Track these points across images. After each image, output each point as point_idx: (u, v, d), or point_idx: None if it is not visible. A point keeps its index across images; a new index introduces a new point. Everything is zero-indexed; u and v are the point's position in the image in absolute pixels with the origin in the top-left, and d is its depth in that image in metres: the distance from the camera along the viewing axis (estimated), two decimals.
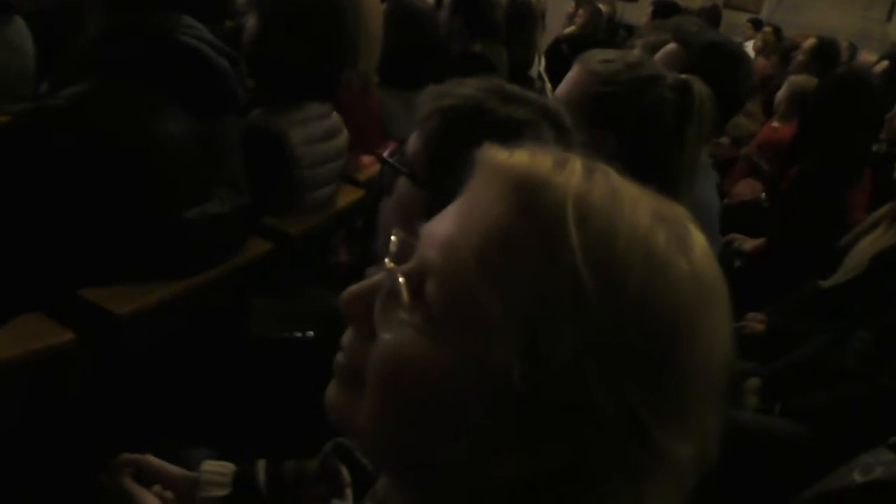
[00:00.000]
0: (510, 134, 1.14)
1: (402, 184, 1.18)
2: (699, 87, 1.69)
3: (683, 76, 1.70)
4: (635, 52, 2.04)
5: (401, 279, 0.59)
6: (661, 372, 0.55)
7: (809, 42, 5.49)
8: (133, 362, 1.58)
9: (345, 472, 0.81)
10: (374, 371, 0.60)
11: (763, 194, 3.72)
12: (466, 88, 1.17)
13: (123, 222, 1.53)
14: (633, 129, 1.65)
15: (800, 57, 5.38)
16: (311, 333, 1.71)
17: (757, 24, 8.94)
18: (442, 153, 1.13)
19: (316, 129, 2.22)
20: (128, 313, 1.55)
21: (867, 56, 7.38)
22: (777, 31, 7.53)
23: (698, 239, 0.60)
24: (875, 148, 3.29)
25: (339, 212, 2.42)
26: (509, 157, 0.62)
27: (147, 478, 1.31)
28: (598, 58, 1.74)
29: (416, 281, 0.59)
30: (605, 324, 0.54)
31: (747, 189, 3.63)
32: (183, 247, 1.63)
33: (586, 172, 0.59)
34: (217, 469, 1.42)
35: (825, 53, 5.18)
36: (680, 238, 0.58)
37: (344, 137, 2.40)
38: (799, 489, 1.87)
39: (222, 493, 1.41)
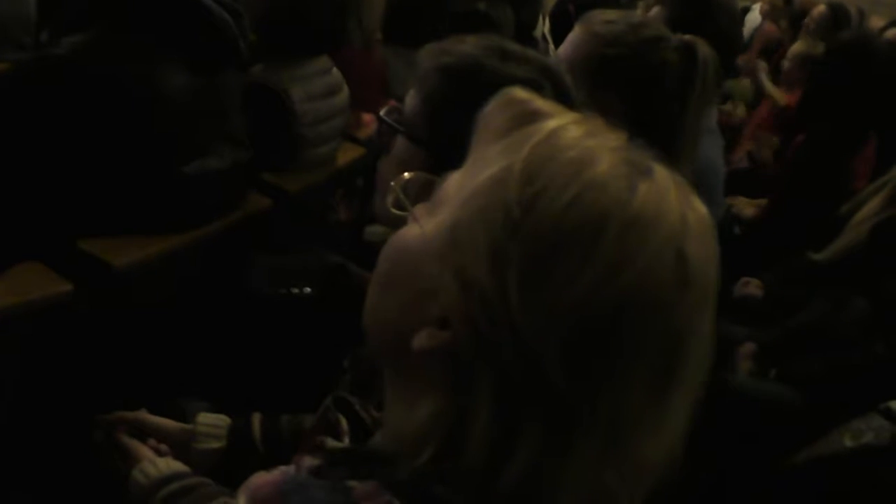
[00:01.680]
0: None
1: (401, 142, 1.17)
2: (703, 48, 1.67)
3: (687, 37, 1.68)
4: (637, 13, 2.02)
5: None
6: (550, 276, 0.56)
7: (819, 9, 5.38)
8: (130, 315, 1.58)
9: (343, 422, 0.82)
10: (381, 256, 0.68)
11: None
12: (465, 46, 1.16)
13: (122, 174, 1.53)
14: (636, 90, 1.63)
15: (811, 25, 5.29)
16: (308, 290, 1.71)
17: None
18: (440, 111, 1.11)
19: (317, 86, 2.21)
20: (125, 265, 1.55)
21: (878, 21, 7.27)
22: None
23: (660, 176, 0.60)
24: None
25: (339, 169, 2.41)
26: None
27: (141, 432, 1.32)
28: (600, 19, 1.72)
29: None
30: (509, 235, 0.57)
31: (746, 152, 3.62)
32: (182, 200, 1.63)
33: (574, 120, 0.63)
34: (212, 422, 1.43)
35: (836, 21, 5.10)
36: (633, 179, 0.59)
37: (345, 94, 2.38)
38: (791, 453, 1.89)
39: (217, 445, 1.42)
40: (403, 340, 0.62)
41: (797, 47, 4.41)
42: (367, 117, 2.84)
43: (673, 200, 0.59)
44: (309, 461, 0.81)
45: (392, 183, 0.72)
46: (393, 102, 3.25)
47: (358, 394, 1.11)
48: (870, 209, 2.52)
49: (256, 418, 1.45)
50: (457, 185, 0.64)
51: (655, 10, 2.16)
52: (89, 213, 1.55)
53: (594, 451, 0.58)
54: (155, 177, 1.57)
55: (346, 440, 0.82)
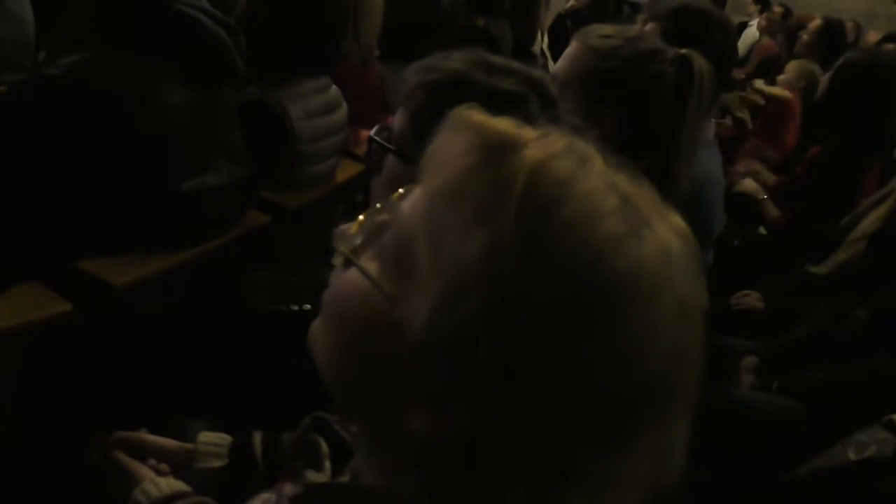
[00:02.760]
0: (496, 105, 1.13)
1: (391, 161, 1.17)
2: (699, 61, 1.67)
3: (683, 51, 1.69)
4: (633, 27, 2.02)
5: (362, 224, 0.64)
6: (568, 361, 0.52)
7: (815, 23, 5.42)
8: (130, 334, 1.58)
9: (323, 445, 0.81)
10: (326, 299, 0.64)
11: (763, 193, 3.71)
12: (450, 62, 1.16)
13: (121, 192, 1.53)
14: (633, 103, 1.64)
15: (805, 37, 5.32)
16: (308, 307, 1.71)
17: (762, 3, 8.86)
18: (428, 129, 1.12)
19: (315, 103, 2.22)
20: (125, 284, 1.55)
21: (874, 37, 7.31)
22: (787, 11, 7.46)
23: (660, 230, 0.56)
24: None
25: (338, 186, 2.41)
26: (485, 118, 0.62)
27: (141, 452, 1.32)
28: (596, 33, 1.72)
29: (378, 231, 0.62)
30: (514, 294, 0.52)
31: (744, 168, 3.62)
32: (180, 218, 1.63)
33: (564, 146, 0.58)
34: (213, 440, 1.43)
35: (831, 34, 5.13)
36: (634, 226, 0.54)
37: (343, 111, 2.39)
38: (794, 466, 1.88)
39: (219, 464, 1.41)
40: (385, 414, 0.58)
41: (792, 66, 4.44)
42: (365, 133, 2.83)
43: (673, 254, 0.56)
44: (289, 489, 0.81)
45: (342, 230, 0.67)
46: (390, 119, 3.26)
47: None
48: (869, 223, 2.52)
49: (257, 436, 1.44)
50: (424, 250, 0.57)
51: (651, 25, 2.17)
52: (88, 233, 1.55)
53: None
54: (153, 194, 1.57)
55: (327, 463, 0.81)
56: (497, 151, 0.57)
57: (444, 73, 1.12)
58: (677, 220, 0.58)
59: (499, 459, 0.54)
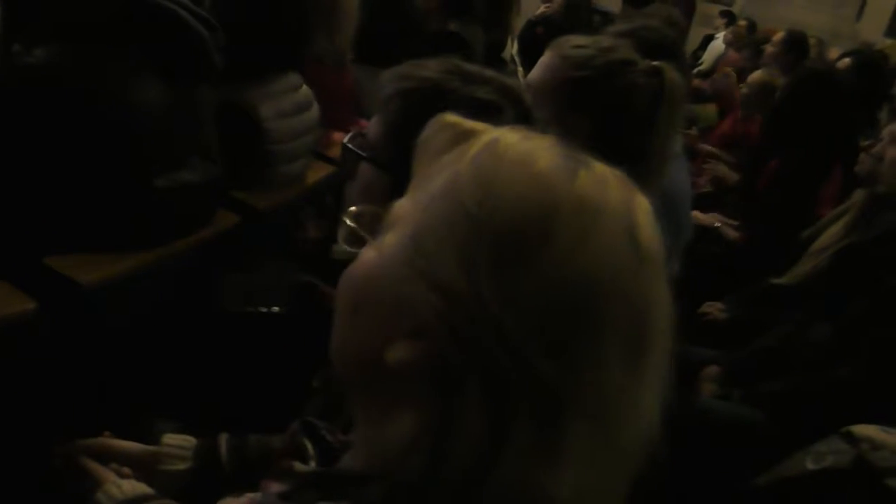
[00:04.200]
0: (472, 114, 1.14)
1: (365, 168, 1.17)
2: (671, 73, 1.69)
3: (655, 63, 1.71)
4: (607, 38, 2.04)
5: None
6: (517, 270, 0.59)
7: (779, 35, 5.56)
8: (97, 333, 1.56)
9: (309, 447, 0.82)
10: (339, 285, 0.70)
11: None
12: (425, 70, 1.17)
13: (93, 187, 1.50)
14: (605, 113, 1.65)
15: (770, 49, 5.44)
16: (276, 309, 1.70)
17: (728, 17, 9.00)
18: (404, 137, 1.12)
19: (286, 103, 2.21)
20: (92, 282, 1.52)
21: (835, 54, 7.45)
22: (752, 25, 7.59)
23: (598, 169, 0.64)
24: None
25: (308, 187, 2.40)
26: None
27: (104, 456, 1.30)
28: (571, 43, 1.74)
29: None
30: (472, 233, 0.60)
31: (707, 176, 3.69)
32: (152, 215, 1.61)
33: (508, 130, 0.67)
34: (178, 442, 1.41)
35: (795, 45, 5.25)
36: (573, 163, 0.63)
37: (314, 112, 2.38)
38: (753, 475, 1.91)
39: (183, 466, 1.40)
40: (374, 360, 0.63)
41: (756, 76, 4.51)
42: (338, 136, 2.83)
43: (613, 185, 0.63)
44: (276, 487, 0.81)
45: (344, 219, 0.75)
46: (364, 122, 3.26)
47: (329, 415, 1.11)
48: (831, 235, 2.57)
49: (223, 438, 1.43)
50: (406, 205, 0.67)
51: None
52: (55, 228, 1.52)
53: (584, 439, 0.60)
54: (127, 189, 1.55)
55: (313, 465, 0.82)
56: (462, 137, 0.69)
57: (420, 82, 1.13)
58: (621, 174, 0.66)
59: (470, 386, 0.59)
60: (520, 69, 4.90)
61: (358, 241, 0.71)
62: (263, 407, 1.54)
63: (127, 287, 1.60)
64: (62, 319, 1.50)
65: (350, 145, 1.17)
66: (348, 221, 0.74)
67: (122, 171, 1.54)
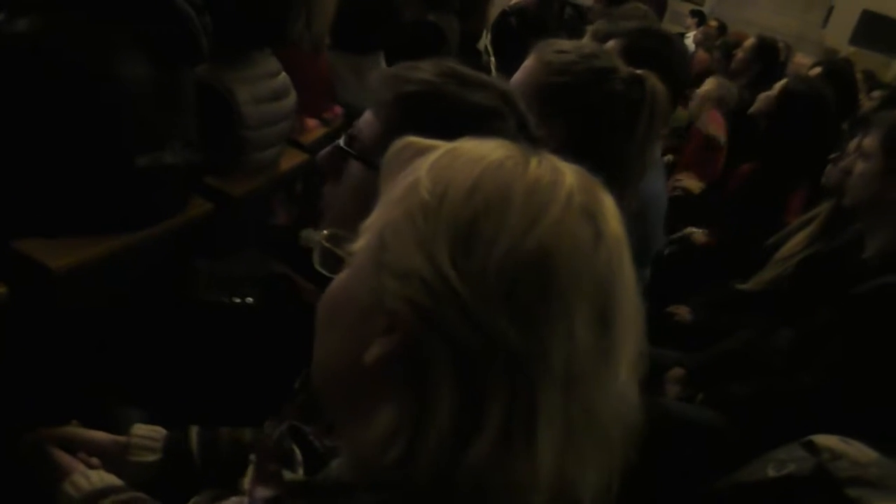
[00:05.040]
0: (471, 120, 1.13)
1: (358, 170, 1.15)
2: (653, 82, 1.70)
3: (638, 71, 1.72)
4: (590, 44, 2.04)
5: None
6: (474, 243, 0.62)
7: (750, 41, 5.63)
8: (66, 319, 1.53)
9: (297, 453, 0.82)
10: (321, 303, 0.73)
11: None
12: (422, 73, 1.15)
13: (71, 163, 1.47)
14: (584, 120, 1.66)
15: (740, 54, 5.51)
16: (250, 300, 1.68)
17: (698, 17, 9.08)
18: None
19: (263, 89, 2.18)
20: (63, 268, 1.49)
21: (801, 59, 7.58)
22: (722, 27, 7.68)
23: (552, 159, 0.68)
24: None
25: (282, 175, 2.38)
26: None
27: (72, 446, 1.28)
28: (553, 48, 1.74)
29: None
30: (429, 219, 0.63)
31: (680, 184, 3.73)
32: (129, 196, 1.58)
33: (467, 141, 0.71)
34: (147, 433, 1.40)
35: (765, 52, 5.33)
36: (525, 153, 0.67)
37: (292, 99, 2.35)
38: (713, 479, 1.94)
39: (152, 458, 1.38)
40: (352, 365, 0.66)
41: (709, 85, 4.58)
42: (312, 122, 2.81)
43: (567, 171, 0.67)
44: (262, 491, 0.81)
45: (318, 241, 0.79)
46: (338, 109, 3.23)
47: (310, 416, 1.11)
48: (796, 243, 2.62)
49: (194, 430, 1.42)
50: (373, 215, 0.70)
51: (611, 43, 2.20)
52: (27, 211, 1.48)
53: (559, 414, 0.61)
54: (105, 169, 1.52)
55: (301, 471, 0.83)
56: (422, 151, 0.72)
57: (418, 85, 1.12)
58: (578, 167, 0.69)
59: (441, 367, 0.61)
60: (492, 59, 4.91)
61: (334, 262, 0.75)
62: (235, 399, 1.53)
63: (98, 273, 1.57)
64: (32, 304, 1.47)
65: (345, 147, 1.15)
66: (324, 243, 0.77)
67: (102, 148, 1.50)
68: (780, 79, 4.85)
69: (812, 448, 1.68)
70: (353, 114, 3.16)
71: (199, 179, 1.89)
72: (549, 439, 0.61)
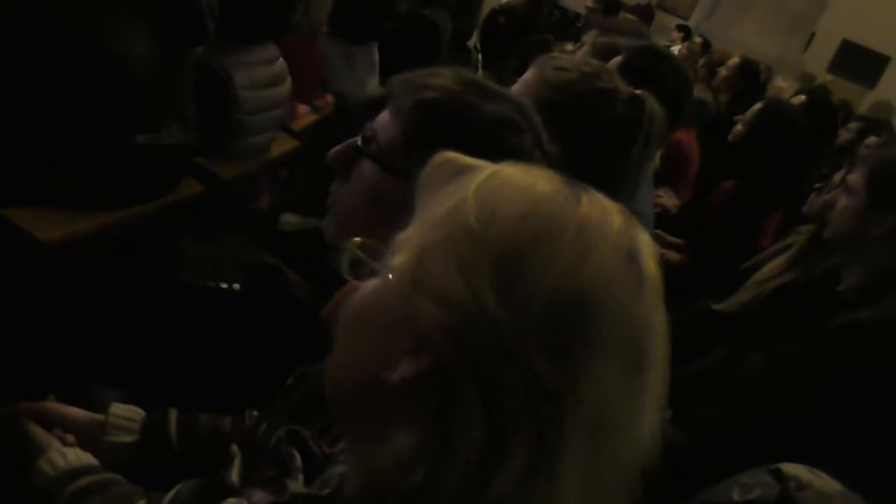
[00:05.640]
0: (489, 130, 1.14)
1: (370, 171, 1.15)
2: (651, 104, 1.70)
3: (638, 92, 1.72)
4: (591, 62, 2.05)
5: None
6: (518, 278, 0.61)
7: (734, 60, 5.74)
8: (50, 293, 1.50)
9: (297, 458, 0.82)
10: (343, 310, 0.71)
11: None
12: (443, 80, 1.16)
13: (70, 135, 1.44)
14: (579, 139, 1.66)
15: (723, 72, 5.60)
16: (237, 287, 1.67)
17: (685, 31, 9.15)
18: (420, 145, 1.11)
19: (261, 74, 2.17)
20: (51, 240, 1.47)
21: (780, 82, 7.69)
22: (706, 44, 7.75)
23: (598, 197, 0.67)
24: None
25: (272, 160, 2.36)
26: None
27: (48, 421, 1.27)
28: (554, 64, 1.74)
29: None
30: (475, 247, 0.62)
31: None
32: (124, 173, 1.55)
33: (507, 164, 0.70)
34: (125, 414, 1.38)
35: (747, 73, 5.43)
36: (574, 190, 0.65)
37: (287, 86, 2.34)
38: (678, 499, 1.96)
39: (129, 439, 1.37)
40: (373, 381, 0.64)
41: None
42: (302, 109, 2.80)
43: (614, 213, 0.66)
44: (259, 495, 0.80)
45: (346, 248, 0.75)
46: (328, 97, 3.21)
47: (305, 416, 1.10)
48: (771, 268, 2.65)
49: (173, 414, 1.41)
50: (410, 233, 0.68)
51: (615, 60, 2.21)
52: (20, 179, 1.46)
53: (583, 453, 0.61)
54: (103, 144, 1.50)
55: (300, 477, 0.82)
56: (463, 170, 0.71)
57: (438, 92, 1.12)
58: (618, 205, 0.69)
59: (471, 396, 0.60)
60: (480, 58, 4.92)
61: (361, 269, 0.72)
62: (215, 385, 1.52)
63: (86, 248, 1.55)
64: (17, 275, 1.45)
65: (364, 148, 1.15)
66: (353, 250, 0.75)
67: (102, 124, 1.48)
68: (758, 98, 4.94)
69: (779, 475, 1.70)
70: (343, 102, 3.16)
71: (189, 160, 1.87)
72: (572, 480, 0.61)
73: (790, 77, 8.92)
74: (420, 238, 0.66)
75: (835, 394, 1.98)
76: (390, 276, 0.66)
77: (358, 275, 0.72)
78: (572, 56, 2.44)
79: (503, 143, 1.09)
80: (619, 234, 0.64)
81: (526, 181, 0.67)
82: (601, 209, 0.65)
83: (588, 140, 1.64)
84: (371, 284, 0.69)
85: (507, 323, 0.59)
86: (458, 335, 0.60)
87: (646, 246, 0.66)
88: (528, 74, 1.72)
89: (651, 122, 1.68)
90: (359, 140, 1.15)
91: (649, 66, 2.13)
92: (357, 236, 1.19)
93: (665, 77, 2.18)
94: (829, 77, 10.41)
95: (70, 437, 1.30)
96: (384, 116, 1.16)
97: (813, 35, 11.05)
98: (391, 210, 1.13)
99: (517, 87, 1.74)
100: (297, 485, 0.77)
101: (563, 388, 0.60)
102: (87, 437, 1.32)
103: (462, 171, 0.70)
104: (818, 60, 11.09)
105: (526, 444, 0.60)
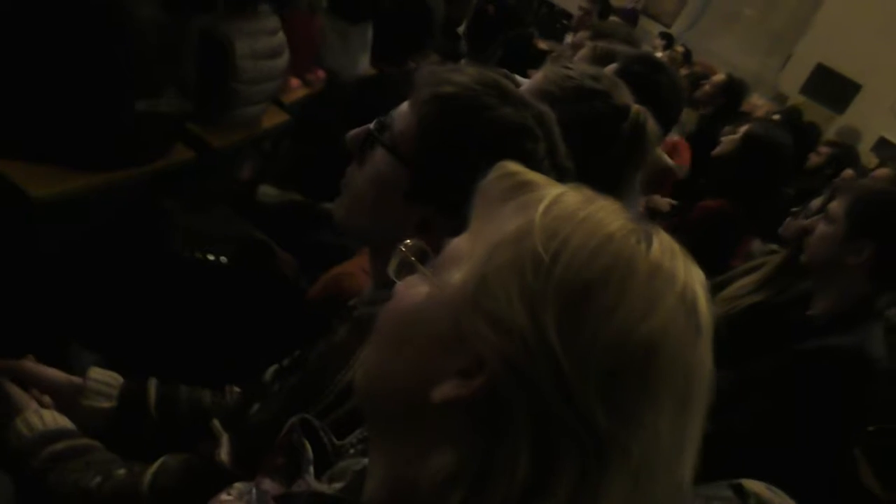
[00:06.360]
0: (503, 134, 1.14)
1: (383, 158, 1.14)
2: (644, 117, 1.70)
3: (637, 107, 1.72)
4: (595, 68, 2.05)
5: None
6: (580, 323, 0.59)
7: (720, 77, 5.80)
8: (35, 250, 1.47)
9: (309, 450, 0.81)
10: (382, 314, 0.69)
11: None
12: (465, 78, 1.15)
13: (70, 96, 1.41)
14: (578, 153, 1.66)
15: (707, 87, 5.64)
16: (224, 259, 1.66)
17: (667, 39, 9.21)
18: (434, 139, 1.11)
19: (262, 45, 2.13)
20: (42, 196, 1.44)
21: (756, 99, 7.79)
22: (688, 53, 7.81)
23: (664, 237, 0.65)
24: None
25: (262, 132, 2.34)
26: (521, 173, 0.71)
27: (25, 381, 1.25)
28: (563, 63, 1.74)
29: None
30: (542, 279, 0.60)
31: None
32: (119, 136, 1.53)
33: (567, 189, 0.67)
34: (104, 379, 1.37)
35: (731, 90, 5.49)
36: (643, 231, 0.63)
37: (285, 59, 2.31)
38: None
39: (107, 404, 1.35)
40: (416, 396, 0.62)
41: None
42: (295, 82, 2.77)
43: (679, 258, 0.64)
44: (269, 485, 0.79)
45: (400, 248, 0.74)
46: (320, 72, 3.18)
47: (304, 400, 1.10)
48: (741, 287, 2.68)
49: (153, 383, 1.39)
50: (468, 244, 0.66)
51: (610, 67, 2.22)
52: (18, 130, 1.42)
53: (623, 492, 0.60)
54: (103, 107, 1.47)
55: (311, 469, 0.81)
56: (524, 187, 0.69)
57: (458, 88, 1.11)
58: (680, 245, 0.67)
59: (520, 427, 0.59)
60: (465, 43, 4.91)
61: (408, 270, 0.71)
62: (196, 357, 1.51)
63: (75, 207, 1.52)
64: (4, 229, 1.41)
65: (376, 134, 1.14)
66: (403, 251, 0.73)
67: (104, 86, 1.45)
68: (734, 115, 5.00)
69: (740, 491, 1.74)
70: (334, 79, 3.13)
71: (183, 126, 1.84)
72: None
73: (764, 95, 9.05)
74: (482, 255, 0.64)
75: (798, 414, 2.03)
76: (446, 290, 0.64)
77: (404, 277, 0.70)
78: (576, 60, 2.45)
79: (514, 148, 1.08)
80: (685, 283, 0.63)
81: (595, 214, 0.64)
82: (671, 254, 0.64)
83: (585, 156, 1.64)
84: (421, 292, 0.67)
85: (567, 362, 0.58)
86: (516, 365, 0.59)
87: (703, 294, 0.65)
88: (538, 78, 1.73)
89: (638, 133, 1.68)
90: (373, 125, 1.14)
91: (645, 75, 2.14)
92: (364, 222, 1.19)
93: (661, 88, 2.19)
94: (801, 98, 10.58)
95: (47, 399, 1.29)
96: (404, 106, 1.15)
97: (790, 56, 11.20)
98: (396, 201, 1.13)
99: (525, 89, 1.75)
100: (309, 478, 0.76)
101: (612, 434, 0.59)
102: (64, 400, 1.31)
103: (524, 186, 0.68)
104: (792, 81, 11.25)
105: (567, 485, 0.59)
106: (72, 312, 1.49)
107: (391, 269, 0.72)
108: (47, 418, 1.23)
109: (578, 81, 1.66)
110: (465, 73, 1.14)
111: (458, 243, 0.68)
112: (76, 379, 1.35)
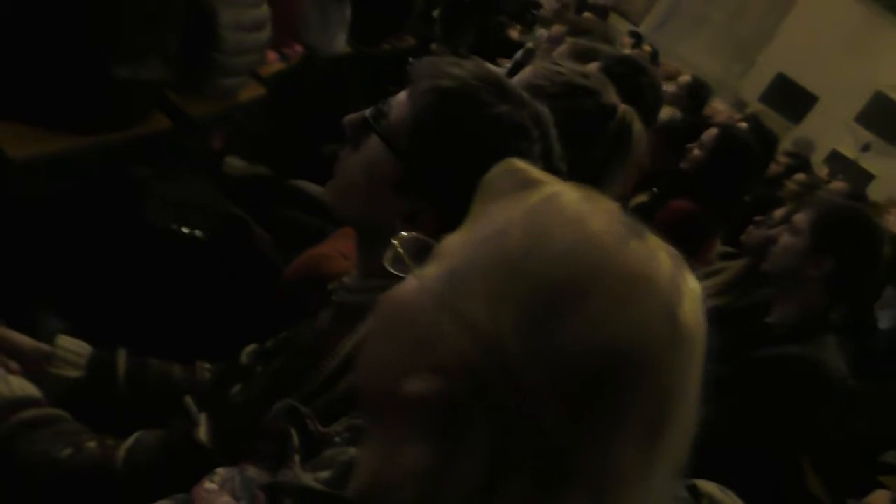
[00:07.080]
0: (498, 131, 1.14)
1: (376, 145, 1.14)
2: (631, 117, 1.72)
3: (624, 107, 1.74)
4: (583, 67, 2.06)
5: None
6: (545, 327, 0.57)
7: (685, 78, 5.85)
8: (11, 211, 1.44)
9: (295, 438, 0.80)
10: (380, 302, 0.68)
11: None
12: (464, 72, 1.15)
13: (54, 57, 1.37)
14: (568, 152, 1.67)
15: (673, 88, 5.69)
16: (199, 233, 1.63)
17: (636, 38, 9.28)
18: (428, 131, 1.10)
19: (247, 17, 2.10)
20: (20, 157, 1.40)
21: (718, 104, 7.91)
22: (655, 54, 7.88)
23: (651, 241, 0.62)
24: None
25: (238, 105, 2.31)
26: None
27: None
28: (554, 59, 1.75)
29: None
30: (508, 280, 0.58)
31: None
32: (102, 101, 1.49)
33: (571, 187, 0.66)
34: (73, 348, 1.35)
35: (696, 93, 5.54)
36: (629, 240, 0.60)
37: (267, 32, 2.28)
38: None
39: (75, 374, 1.34)
40: (393, 387, 0.61)
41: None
42: (272, 56, 2.74)
43: (664, 263, 0.61)
44: (254, 472, 0.79)
45: (393, 241, 0.72)
46: (298, 47, 3.14)
47: (287, 383, 1.09)
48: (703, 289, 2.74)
49: (122, 355, 1.38)
50: (459, 239, 0.65)
51: (592, 66, 2.23)
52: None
53: None
54: (85, 69, 1.43)
55: (297, 458, 0.80)
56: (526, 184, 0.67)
57: (456, 82, 1.11)
58: (675, 252, 0.64)
59: (476, 432, 0.57)
60: (439, 27, 4.90)
61: (403, 264, 0.69)
62: (167, 331, 1.49)
63: (52, 169, 1.49)
64: None
65: (371, 122, 1.13)
66: (397, 245, 0.71)
67: (87, 50, 1.42)
68: (696, 118, 5.08)
69: (694, 491, 1.78)
70: (311, 55, 3.10)
71: (163, 94, 1.81)
72: None
73: (726, 101, 9.20)
74: (461, 251, 0.63)
75: (752, 420, 2.07)
76: (425, 284, 0.63)
77: (402, 269, 0.69)
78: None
79: (508, 147, 1.08)
80: (663, 287, 0.59)
81: (581, 212, 0.62)
82: (649, 257, 0.60)
83: (572, 154, 1.65)
84: (410, 285, 0.65)
85: (523, 366, 0.56)
86: (474, 367, 0.57)
87: (691, 300, 0.61)
88: (527, 73, 1.73)
89: (623, 133, 1.70)
90: (368, 112, 1.13)
91: (627, 76, 2.15)
92: (353, 208, 1.19)
93: (642, 89, 2.22)
94: (759, 106, 10.79)
95: (14, 365, 1.27)
96: (401, 95, 1.14)
97: (752, 64, 11.41)
98: (386, 190, 1.13)
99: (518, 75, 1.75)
100: (295, 467, 0.76)
101: (568, 443, 0.57)
102: (32, 366, 1.29)
103: (527, 184, 0.66)
104: (752, 89, 11.46)
105: (523, 490, 0.57)
106: (42, 278, 1.46)
107: (387, 261, 0.71)
108: (14, 385, 1.22)
109: (569, 77, 1.67)
110: (464, 68, 1.14)
111: (451, 238, 0.66)
112: (44, 346, 1.33)
